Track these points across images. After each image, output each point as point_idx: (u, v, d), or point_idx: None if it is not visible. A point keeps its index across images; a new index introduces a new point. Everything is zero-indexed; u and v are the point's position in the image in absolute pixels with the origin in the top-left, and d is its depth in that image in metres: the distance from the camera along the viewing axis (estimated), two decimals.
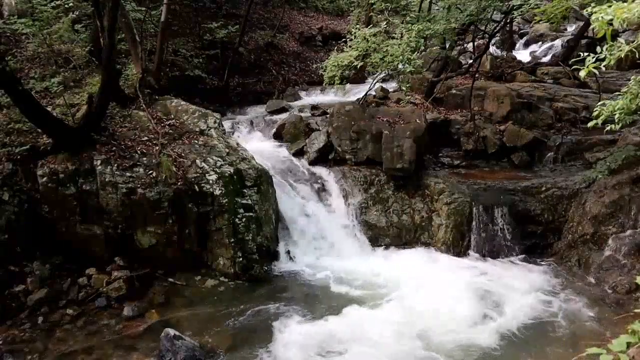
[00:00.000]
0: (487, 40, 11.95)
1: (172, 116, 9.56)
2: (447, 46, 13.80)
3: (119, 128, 8.71)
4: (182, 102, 9.97)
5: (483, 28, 12.32)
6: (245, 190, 8.58)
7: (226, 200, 8.10)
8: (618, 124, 5.37)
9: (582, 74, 3.70)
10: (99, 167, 7.75)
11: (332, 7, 22.10)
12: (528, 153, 10.69)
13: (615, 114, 5.31)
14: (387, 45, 9.65)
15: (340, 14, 21.72)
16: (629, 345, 2.39)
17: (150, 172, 7.95)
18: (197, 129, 9.32)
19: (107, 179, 7.70)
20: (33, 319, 6.89)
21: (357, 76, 13.69)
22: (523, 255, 9.06)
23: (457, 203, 9.24)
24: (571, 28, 19.00)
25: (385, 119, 10.32)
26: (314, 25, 19.71)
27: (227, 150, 9.01)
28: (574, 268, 8.47)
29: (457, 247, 9.20)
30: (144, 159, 8.13)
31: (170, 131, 9.03)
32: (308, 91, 15.69)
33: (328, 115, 11.27)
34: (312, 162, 10.48)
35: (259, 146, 10.91)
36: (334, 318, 7.05)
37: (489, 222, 9.15)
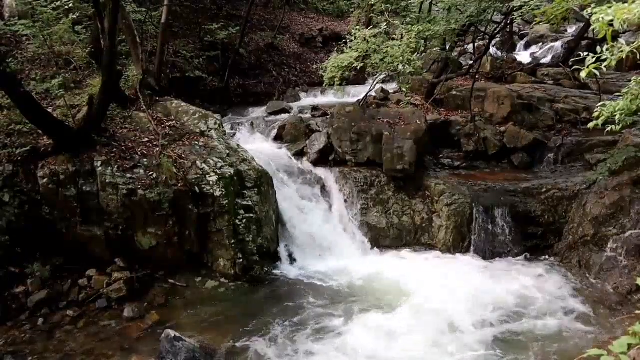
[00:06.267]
0: (488, 41, 11.96)
1: (173, 117, 9.56)
2: (448, 47, 13.82)
3: (120, 129, 8.72)
4: (183, 103, 9.98)
5: (483, 29, 12.33)
6: (245, 192, 8.58)
7: (226, 201, 8.10)
8: (618, 125, 5.36)
9: (583, 75, 3.70)
10: (100, 169, 7.75)
11: (333, 9, 22.12)
12: (528, 154, 10.68)
13: (615, 115, 5.30)
14: (387, 47, 9.65)
15: (341, 15, 21.74)
16: (629, 346, 2.39)
17: (151, 173, 7.95)
18: (198, 130, 9.32)
19: (107, 180, 7.70)
20: (33, 320, 6.89)
21: (358, 77, 13.70)
22: (524, 257, 9.05)
23: (457, 204, 9.23)
24: (571, 29, 19.02)
25: (385, 120, 10.32)
26: (315, 27, 19.72)
27: (227, 151, 9.01)
28: (575, 269, 8.46)
29: (458, 249, 9.20)
30: (145, 160, 8.13)
31: (171, 132, 9.03)
32: (308, 92, 15.71)
33: (328, 117, 11.26)
34: (313, 163, 10.47)
35: (260, 147, 10.90)
36: (334, 320, 7.05)
37: (489, 223, 9.14)
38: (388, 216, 9.61)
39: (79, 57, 9.68)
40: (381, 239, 9.49)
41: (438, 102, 12.53)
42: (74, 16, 9.44)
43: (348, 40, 10.38)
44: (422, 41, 11.23)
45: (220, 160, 8.62)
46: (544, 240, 9.25)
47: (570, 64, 13.50)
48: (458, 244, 9.21)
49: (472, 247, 9.18)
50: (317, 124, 11.49)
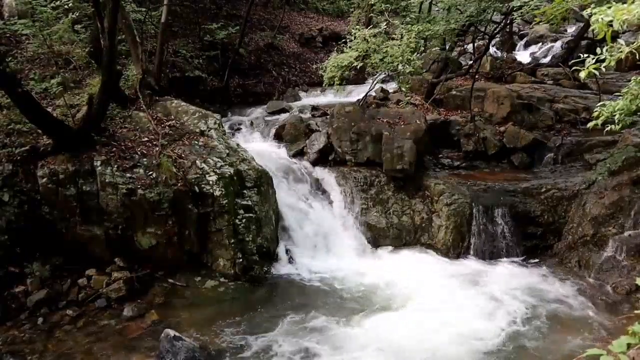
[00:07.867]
0: (487, 41, 11.96)
1: (173, 117, 9.56)
2: (447, 47, 13.83)
3: (119, 129, 8.72)
4: (183, 103, 9.97)
5: (483, 29, 12.33)
6: (245, 191, 8.59)
7: (226, 201, 8.10)
8: (618, 125, 5.36)
9: (582, 75, 3.70)
10: (99, 168, 7.75)
11: (332, 9, 22.13)
12: (528, 154, 10.69)
13: (615, 115, 5.30)
14: (387, 46, 9.65)
15: (340, 15, 21.73)
16: (629, 346, 2.39)
17: (151, 173, 7.95)
18: (198, 130, 9.32)
19: (107, 180, 7.70)
20: (33, 319, 6.89)
21: (357, 77, 13.71)
22: (523, 257, 9.05)
23: (457, 204, 9.23)
24: (571, 29, 19.03)
25: (385, 120, 10.33)
26: (314, 27, 19.72)
27: (227, 151, 9.01)
28: (574, 269, 8.47)
29: (457, 248, 9.20)
30: (144, 159, 8.13)
31: (171, 132, 9.03)
32: (308, 92, 15.71)
33: (328, 116, 11.26)
34: (312, 163, 10.48)
35: (259, 147, 10.90)
36: (334, 320, 7.05)
37: (489, 223, 9.15)
38: (388, 216, 9.60)
39: (79, 57, 9.68)
40: (381, 238, 9.49)
41: (438, 102, 12.54)
42: (74, 15, 9.43)
43: (348, 40, 10.38)
44: (422, 41, 11.24)
45: (219, 160, 8.62)
46: (543, 240, 9.25)
47: (570, 64, 13.50)
48: (457, 244, 9.21)
49: (471, 247, 9.17)
50: (316, 124, 11.49)
